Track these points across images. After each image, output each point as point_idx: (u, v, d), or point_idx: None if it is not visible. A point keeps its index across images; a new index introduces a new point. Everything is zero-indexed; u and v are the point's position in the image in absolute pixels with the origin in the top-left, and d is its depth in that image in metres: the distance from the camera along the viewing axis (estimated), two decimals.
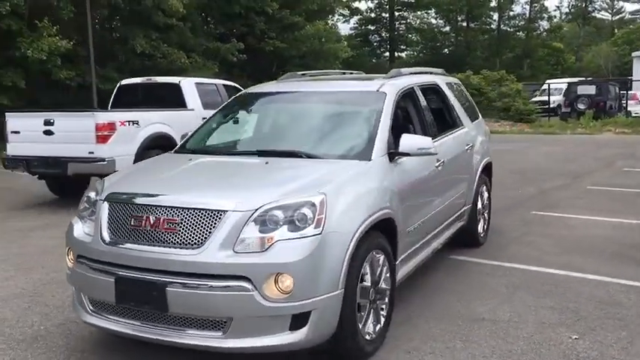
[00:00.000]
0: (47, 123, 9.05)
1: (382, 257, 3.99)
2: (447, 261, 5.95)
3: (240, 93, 5.46)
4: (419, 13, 61.96)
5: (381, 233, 4.00)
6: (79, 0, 19.19)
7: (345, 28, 62.97)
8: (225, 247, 3.32)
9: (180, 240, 3.41)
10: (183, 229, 3.43)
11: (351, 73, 6.23)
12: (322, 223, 3.42)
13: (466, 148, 5.93)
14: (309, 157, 4.26)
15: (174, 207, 3.50)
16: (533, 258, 6.05)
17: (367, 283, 3.82)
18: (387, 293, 4.10)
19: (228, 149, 4.73)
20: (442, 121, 5.83)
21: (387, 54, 62.91)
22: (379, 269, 3.97)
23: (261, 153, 4.42)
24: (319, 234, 3.39)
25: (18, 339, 4.21)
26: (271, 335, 3.34)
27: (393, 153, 4.35)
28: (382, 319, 4.04)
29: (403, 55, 64.56)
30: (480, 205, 6.45)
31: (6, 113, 9.62)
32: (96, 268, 3.63)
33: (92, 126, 8.71)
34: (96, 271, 3.63)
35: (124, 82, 11.44)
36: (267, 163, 4.16)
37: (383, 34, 62.79)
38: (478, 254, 6.18)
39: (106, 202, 3.73)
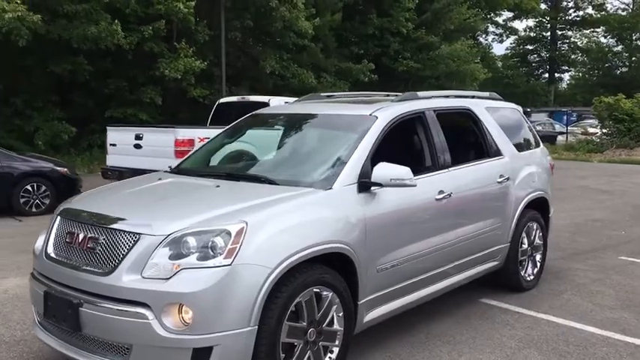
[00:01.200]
0: (137, 137, 9.69)
1: (330, 295, 3.68)
2: (471, 304, 5.38)
3: (249, 114, 5.39)
4: (586, 31, 58.13)
5: (332, 269, 3.71)
6: (215, 24, 20.48)
7: (499, 48, 60.68)
8: (134, 271, 3.25)
9: (98, 260, 3.41)
10: (102, 249, 3.42)
11: (387, 95, 5.87)
12: (234, 253, 3.23)
13: (499, 180, 5.32)
14: (270, 182, 4.07)
15: (99, 226, 3.51)
16: (579, 312, 5.27)
17: (303, 322, 3.54)
18: (338, 336, 3.77)
19: (203, 171, 4.65)
20: (466, 149, 5.31)
21: (547, 75, 59.71)
22: (324, 308, 3.66)
23: (229, 176, 4.32)
24: (228, 265, 3.21)
25: None
26: None
27: (366, 182, 4.02)
28: None
29: (566, 76, 60.85)
30: (525, 245, 5.76)
31: (107, 127, 10.44)
32: (37, 280, 3.75)
33: (172, 141, 9.16)
34: (37, 283, 3.74)
35: (222, 100, 11.95)
36: (217, 186, 4.04)
37: (543, 54, 59.74)
38: (515, 300, 5.51)
39: (58, 217, 3.85)
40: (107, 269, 3.33)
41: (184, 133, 9.32)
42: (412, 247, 4.37)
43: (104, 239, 3.44)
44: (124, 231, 3.39)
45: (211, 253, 3.24)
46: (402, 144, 4.77)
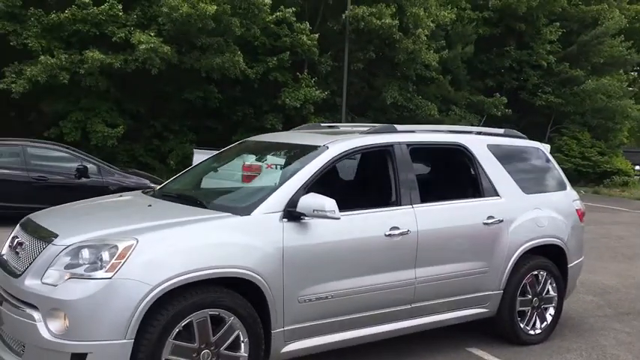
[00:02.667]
0: (235, 165, 10.36)
1: (232, 319, 3.76)
2: (452, 351, 5.06)
3: (238, 142, 5.62)
4: None
5: (240, 294, 3.78)
6: (339, 55, 21.10)
7: None
8: (36, 276, 3.60)
9: (19, 262, 3.81)
10: (24, 253, 3.83)
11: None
12: (117, 268, 3.45)
13: (486, 221, 4.99)
14: (201, 205, 4.24)
15: (30, 234, 3.93)
16: None
17: (194, 343, 3.65)
18: None
19: (164, 192, 4.91)
20: (449, 186, 5.06)
21: None
22: (223, 332, 3.74)
23: (178, 197, 4.57)
24: (108, 278, 3.44)
25: None
26: None
27: (292, 212, 4.04)
28: None
29: None
30: (529, 295, 5.31)
31: (194, 149, 11.25)
32: None
33: (240, 166, 9.65)
34: None
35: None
36: (149, 205, 4.29)
37: None
38: (505, 354, 5.10)
39: (17, 225, 4.34)
40: (19, 272, 3.71)
41: (252, 159, 9.75)
42: (350, 282, 4.27)
43: (27, 245, 3.85)
44: (39, 239, 3.78)
45: (98, 265, 3.49)
46: (358, 176, 4.69)
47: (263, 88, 20.26)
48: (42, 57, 16.05)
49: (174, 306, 3.56)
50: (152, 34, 16.47)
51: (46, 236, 3.76)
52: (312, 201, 4.00)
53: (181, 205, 4.32)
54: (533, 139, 6.06)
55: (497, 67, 25.95)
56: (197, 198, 4.48)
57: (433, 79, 23.26)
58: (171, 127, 20.18)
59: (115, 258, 3.48)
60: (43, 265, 3.60)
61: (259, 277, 3.82)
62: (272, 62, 19.35)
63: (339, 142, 4.55)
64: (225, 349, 3.77)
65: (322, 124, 5.82)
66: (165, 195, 4.74)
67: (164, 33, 17.27)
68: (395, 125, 5.07)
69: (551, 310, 5.53)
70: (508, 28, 25.56)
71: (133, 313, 3.43)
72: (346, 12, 19.82)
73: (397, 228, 4.48)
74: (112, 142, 17.67)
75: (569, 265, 5.63)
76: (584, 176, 25.09)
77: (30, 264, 3.68)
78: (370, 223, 4.41)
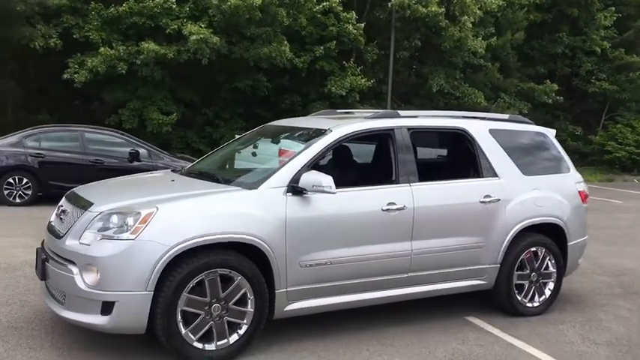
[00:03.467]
0: (255, 146, 10.98)
1: (239, 278, 4.35)
2: (451, 318, 5.51)
3: (259, 126, 6.22)
4: None
5: (245, 256, 4.37)
6: (385, 44, 21.40)
7: None
8: (75, 237, 4.28)
9: (62, 226, 4.52)
10: (67, 219, 4.53)
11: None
12: (140, 231, 4.09)
13: (483, 200, 5.39)
14: (218, 181, 4.85)
15: (70, 203, 4.63)
16: (556, 343, 5.12)
17: (205, 297, 4.26)
18: (248, 316, 4.40)
19: (190, 170, 5.54)
20: (448, 167, 5.47)
21: None
22: (232, 289, 4.33)
23: (200, 174, 5.20)
24: (132, 240, 4.08)
25: None
26: (89, 315, 4.15)
27: (295, 187, 4.59)
28: (237, 337, 4.38)
29: None
30: (527, 270, 5.69)
31: (236, 135, 11.92)
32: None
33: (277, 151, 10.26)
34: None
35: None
36: (172, 180, 4.93)
37: None
38: (500, 323, 5.50)
39: (63, 197, 5.06)
40: (62, 234, 4.41)
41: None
42: (348, 251, 4.78)
43: (69, 212, 4.55)
44: (77, 207, 4.47)
45: (124, 228, 4.14)
46: (361, 157, 5.17)
47: (310, 77, 20.79)
48: (102, 49, 17.11)
49: (188, 265, 4.17)
50: (203, 26, 17.26)
51: (84, 205, 4.44)
52: (312, 177, 4.53)
53: (200, 181, 4.94)
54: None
55: (549, 54, 25.54)
56: (214, 175, 5.09)
57: (481, 67, 23.20)
58: (222, 115, 21.02)
59: (138, 222, 4.11)
60: (80, 228, 4.28)
61: (263, 243, 4.39)
62: (319, 51, 19.85)
63: (341, 126, 5.05)
64: (234, 304, 4.36)
65: (338, 110, 6.33)
66: (189, 172, 5.38)
67: (214, 24, 18.05)
68: (398, 111, 5.53)
69: (551, 285, 5.88)
70: (561, 13, 25.12)
71: (153, 269, 4.06)
72: (392, 0, 20.09)
73: (394, 204, 4.95)
74: (166, 129, 18.65)
75: (569, 244, 5.95)
76: (638, 165, 24.50)
77: (70, 227, 4.36)
78: (368, 199, 4.90)
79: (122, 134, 12.54)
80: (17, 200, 11.01)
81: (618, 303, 6.37)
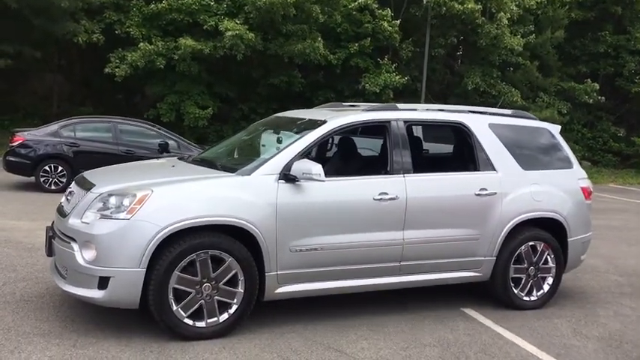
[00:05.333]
0: (258, 137, 11.24)
1: (230, 260, 4.57)
2: (446, 308, 5.61)
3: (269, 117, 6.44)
4: None
5: (236, 240, 4.58)
6: (421, 41, 21.37)
7: None
8: (77, 216, 4.58)
9: (68, 206, 4.82)
10: (72, 199, 4.84)
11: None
12: (135, 211, 4.35)
13: (478, 192, 5.46)
14: (216, 168, 5.08)
15: (77, 185, 4.94)
16: (546, 336, 5.17)
17: (196, 277, 4.49)
18: (238, 296, 4.62)
19: (194, 157, 5.79)
20: (444, 160, 5.56)
21: None
22: (222, 270, 4.55)
23: (201, 161, 5.45)
24: (127, 219, 4.34)
25: None
26: (87, 289, 4.44)
27: (287, 175, 4.78)
28: (227, 316, 4.61)
29: None
30: (524, 264, 5.73)
31: None
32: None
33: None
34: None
35: None
36: (173, 166, 5.18)
37: None
38: (495, 315, 5.56)
39: (73, 180, 5.38)
40: (67, 213, 4.72)
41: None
42: (339, 237, 4.94)
43: (75, 193, 4.86)
44: (81, 189, 4.77)
45: (121, 209, 4.41)
46: (357, 148, 5.32)
47: (345, 74, 20.97)
48: (141, 44, 17.70)
49: (180, 245, 4.41)
50: (239, 22, 17.65)
51: (88, 186, 4.74)
52: (302, 166, 4.72)
53: (199, 167, 5.19)
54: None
55: (592, 53, 25.03)
56: (214, 162, 5.33)
57: (519, 65, 22.92)
58: (257, 110, 21.40)
59: (133, 203, 4.38)
60: (82, 207, 4.57)
61: (253, 227, 4.59)
62: (354, 48, 20.02)
63: (336, 118, 5.21)
64: (224, 284, 4.58)
65: (344, 103, 6.48)
66: (194, 160, 5.64)
67: (250, 21, 18.42)
68: (397, 104, 5.65)
69: (549, 280, 5.90)
70: (604, 11, 24.59)
71: (146, 248, 4.31)
72: None
73: (386, 194, 5.09)
74: (202, 123, 19.14)
75: (570, 240, 5.95)
76: None
77: (74, 207, 4.66)
78: (360, 188, 5.05)
79: (153, 126, 12.98)
80: (52, 187, 11.53)
81: (623, 301, 6.33)
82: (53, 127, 11.99)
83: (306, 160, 4.81)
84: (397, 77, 20.10)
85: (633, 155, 24.69)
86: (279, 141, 5.33)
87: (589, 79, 23.60)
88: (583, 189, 6.12)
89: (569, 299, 6.24)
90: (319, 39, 18.68)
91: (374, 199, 5.05)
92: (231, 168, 4.99)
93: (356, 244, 5.01)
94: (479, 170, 5.61)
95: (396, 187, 5.16)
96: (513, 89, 21.98)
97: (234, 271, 4.60)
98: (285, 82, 20.49)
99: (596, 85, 23.24)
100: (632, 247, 9.43)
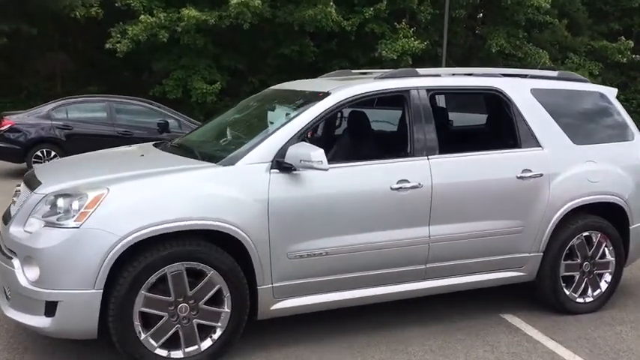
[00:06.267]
0: (248, 115, 10.25)
1: (211, 273, 3.62)
2: (478, 317, 4.62)
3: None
4: None
5: (218, 247, 3.64)
6: (440, 2, 20.01)
7: None
8: (20, 223, 3.64)
9: (12, 211, 3.89)
10: (17, 202, 3.90)
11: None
12: (85, 217, 3.41)
13: (521, 175, 4.42)
14: (194, 156, 4.10)
15: (24, 183, 4.00)
16: (602, 349, 4.17)
17: (169, 296, 3.56)
18: (224, 317, 3.68)
19: (173, 143, 4.79)
20: (478, 136, 4.53)
21: None
22: (202, 286, 3.61)
23: (178, 148, 4.47)
24: (76, 227, 3.40)
25: None
26: (33, 315, 3.51)
27: (280, 162, 3.80)
28: (210, 342, 3.68)
29: None
30: (578, 259, 4.72)
31: None
32: None
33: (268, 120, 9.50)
34: None
35: None
36: (142, 155, 4.21)
37: None
38: (542, 322, 4.58)
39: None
40: (8, 220, 3.79)
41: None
42: (349, 238, 3.97)
43: (20, 194, 3.92)
44: (28, 188, 3.82)
45: (70, 214, 3.46)
46: (369, 126, 4.31)
47: (359, 41, 19.81)
48: (142, 16, 16.67)
49: (146, 258, 3.47)
50: None
51: (32, 185, 3.80)
52: (300, 151, 3.73)
53: (174, 156, 4.21)
54: None
55: (624, 9, 23.39)
56: (192, 149, 4.35)
57: (547, 24, 21.45)
58: (269, 82, 20.19)
59: (84, 207, 3.42)
60: (25, 212, 3.64)
61: (238, 230, 3.63)
62: (368, 13, 18.81)
63: (343, 88, 4.18)
64: (205, 303, 3.64)
65: (354, 71, 5.43)
66: (172, 146, 4.65)
67: None
68: (418, 69, 4.60)
69: (607, 277, 4.88)
70: None
71: (101, 264, 3.37)
72: None
73: (406, 181, 4.08)
74: (211, 99, 18.16)
75: (632, 227, 4.90)
76: None
77: (16, 212, 3.73)
78: (374, 176, 4.05)
79: (152, 104, 12.03)
80: None
81: None
82: (44, 108, 11.10)
83: (304, 143, 3.81)
84: (416, 42, 18.86)
85: None
86: (273, 120, 4.33)
87: (622, 37, 22.04)
88: None
89: (630, 298, 5.21)
90: (331, 4, 17.47)
91: (392, 188, 4.04)
92: (212, 156, 4.00)
93: (370, 245, 4.03)
94: (520, 147, 4.55)
95: (419, 172, 4.15)
96: (541, 50, 20.60)
97: (217, 287, 3.66)
98: (296, 52, 19.37)
99: (631, 43, 21.72)
100: None
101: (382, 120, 5.23)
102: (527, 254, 4.57)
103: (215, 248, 3.64)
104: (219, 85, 18.00)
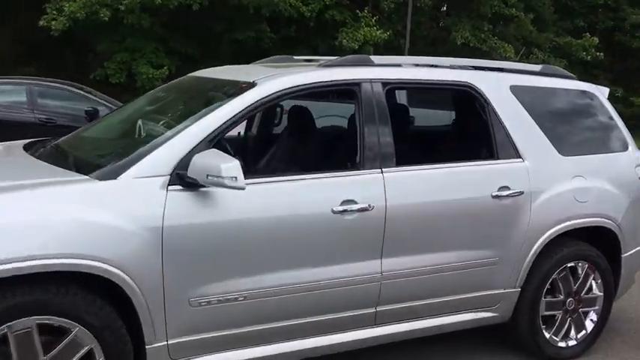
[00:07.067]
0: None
1: (77, 330, 2.60)
2: None
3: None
4: None
5: (89, 294, 2.62)
6: None
7: None
8: None
9: None
10: None
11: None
12: None
13: (497, 193, 3.53)
14: (66, 165, 3.05)
15: None
16: None
17: None
18: None
19: (58, 142, 3.67)
20: (445, 144, 3.64)
21: None
22: (62, 347, 2.59)
23: (55, 151, 3.40)
24: None
25: None
26: None
27: (182, 176, 2.79)
28: None
29: None
30: (560, 295, 3.87)
31: None
32: None
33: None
34: None
35: None
36: None
37: None
38: None
39: None
40: None
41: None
42: (276, 277, 3.00)
43: None
44: None
45: None
46: (306, 129, 3.35)
47: (319, 28, 18.77)
48: None
49: None
50: None
51: None
52: (206, 161, 2.73)
53: (37, 163, 3.13)
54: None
55: (590, 5, 22.98)
56: (68, 154, 3.29)
57: (513, 18, 20.81)
58: None
59: None
60: None
61: (117, 271, 2.62)
62: None
63: (274, 78, 3.19)
64: None
65: (296, 57, 4.42)
66: (51, 147, 3.56)
67: None
68: (373, 57, 3.64)
69: (593, 315, 4.05)
70: None
71: None
72: None
73: (353, 202, 3.13)
74: (158, 84, 16.86)
75: (624, 255, 4.08)
76: None
77: None
78: (311, 195, 3.09)
79: (83, 89, 10.80)
80: None
81: None
82: None
83: (215, 151, 2.81)
84: (378, 32, 17.91)
85: (631, 117, 22.89)
86: (180, 118, 3.30)
87: (587, 34, 21.60)
88: None
89: (616, 336, 4.40)
90: None
91: (333, 211, 3.08)
92: (88, 165, 2.96)
93: (304, 285, 3.07)
94: (497, 158, 3.65)
95: (370, 189, 3.21)
96: (506, 44, 19.92)
97: (86, 348, 2.64)
98: (252, 38, 18.17)
99: (596, 40, 21.27)
100: None
101: (328, 121, 4.25)
102: (502, 291, 3.69)
103: (84, 296, 2.62)
104: (167, 70, 16.71)
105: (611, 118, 4.23)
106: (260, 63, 4.34)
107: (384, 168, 3.27)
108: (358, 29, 18.10)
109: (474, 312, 3.67)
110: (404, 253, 3.32)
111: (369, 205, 3.16)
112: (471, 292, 3.59)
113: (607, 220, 3.94)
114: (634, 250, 4.15)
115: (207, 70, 4.19)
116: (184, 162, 2.80)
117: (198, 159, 2.76)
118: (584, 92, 4.19)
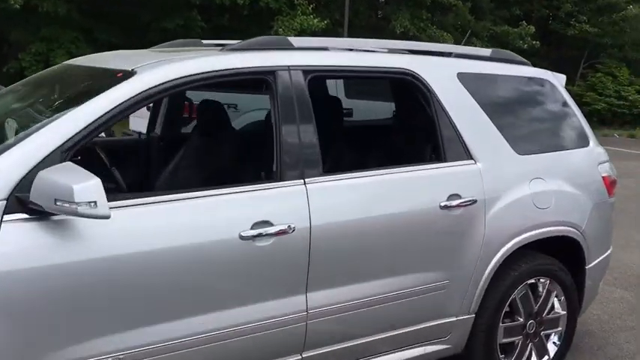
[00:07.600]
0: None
1: None
2: None
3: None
4: None
5: None
6: None
7: None
8: None
9: None
10: None
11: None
12: None
13: (445, 203, 2.91)
14: None
15: None
16: None
17: None
18: None
19: None
20: (382, 145, 2.97)
21: None
22: None
23: None
24: None
25: None
26: None
27: (25, 200, 2.03)
28: None
29: None
30: (520, 319, 3.31)
31: None
32: None
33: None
34: None
35: None
36: None
37: None
38: None
39: None
40: None
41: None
42: (169, 328, 2.29)
43: None
44: None
45: None
46: (205, 131, 2.63)
47: (254, 16, 17.99)
48: None
49: None
50: None
51: None
52: (52, 181, 1.98)
53: None
54: (566, 76, 3.93)
55: None
56: None
57: (451, 6, 20.52)
58: None
59: None
60: None
61: None
62: None
63: (157, 66, 2.45)
64: None
65: (205, 42, 3.68)
66: None
67: None
68: (292, 38, 2.96)
69: (555, 338, 3.51)
70: None
71: None
72: None
73: (268, 223, 2.44)
74: None
75: (589, 267, 3.55)
76: (619, 117, 22.41)
77: None
78: (212, 218, 2.38)
79: None
80: None
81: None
82: None
83: (68, 165, 2.06)
84: (315, 20, 17.29)
85: None
86: (29, 121, 2.52)
87: (524, 22, 21.58)
88: (605, 179, 3.69)
89: (581, 354, 3.89)
90: None
91: (242, 237, 2.39)
92: None
93: (204, 337, 2.37)
94: (444, 160, 3.03)
95: (289, 206, 2.53)
96: (445, 33, 19.63)
97: None
98: (181, 27, 17.17)
99: (532, 28, 21.25)
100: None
101: (251, 118, 3.54)
102: (454, 318, 3.09)
103: None
104: None
105: (570, 110, 3.68)
106: (161, 48, 3.56)
107: (308, 178, 2.59)
108: (294, 17, 17.44)
109: (423, 346, 3.06)
110: (334, 285, 2.66)
111: (288, 227, 2.47)
112: (418, 323, 2.98)
113: (570, 229, 3.40)
114: (598, 260, 3.64)
115: (85, 57, 3.40)
116: (24, 180, 2.05)
117: (42, 177, 2.00)
118: (540, 80, 3.62)
